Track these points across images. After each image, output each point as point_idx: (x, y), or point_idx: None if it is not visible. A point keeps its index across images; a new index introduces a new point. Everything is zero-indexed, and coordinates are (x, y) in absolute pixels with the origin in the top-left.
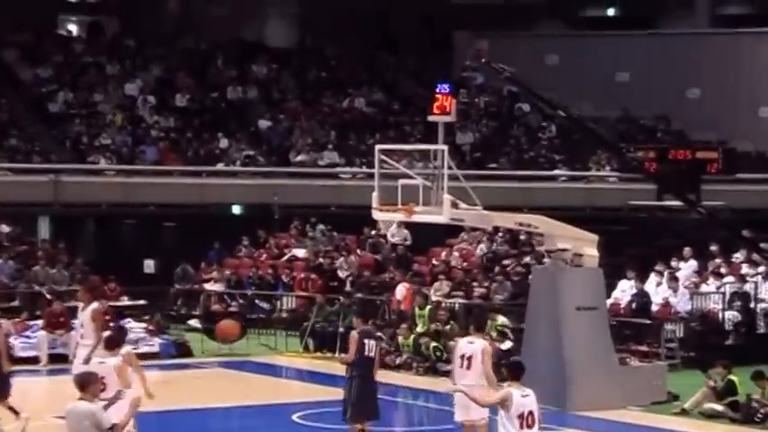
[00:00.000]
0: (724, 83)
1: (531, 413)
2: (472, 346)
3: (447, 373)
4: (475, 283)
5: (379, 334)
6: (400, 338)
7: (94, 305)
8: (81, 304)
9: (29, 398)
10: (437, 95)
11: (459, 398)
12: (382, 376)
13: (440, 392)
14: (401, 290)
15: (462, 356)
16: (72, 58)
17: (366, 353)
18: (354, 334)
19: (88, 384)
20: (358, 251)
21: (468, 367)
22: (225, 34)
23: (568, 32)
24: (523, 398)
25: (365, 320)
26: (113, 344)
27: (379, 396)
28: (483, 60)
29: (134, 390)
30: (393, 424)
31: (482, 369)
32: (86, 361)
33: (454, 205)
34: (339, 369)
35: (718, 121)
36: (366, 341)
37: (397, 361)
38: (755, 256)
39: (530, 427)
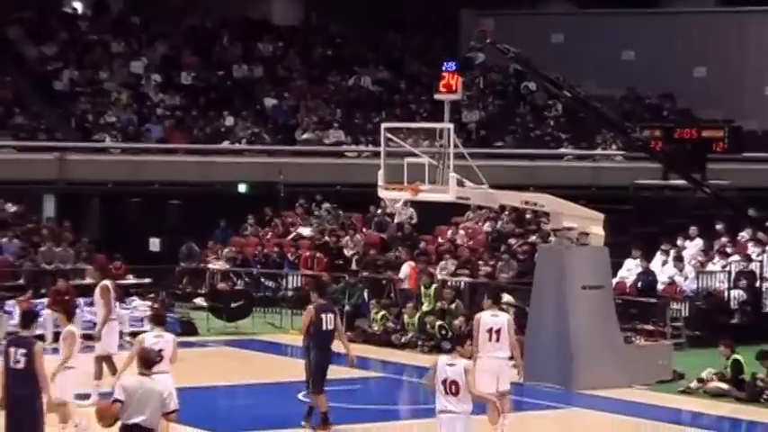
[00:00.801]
0: (730, 61)
1: (454, 382)
2: (498, 318)
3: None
4: (480, 262)
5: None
6: (406, 317)
7: (102, 283)
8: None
9: None
10: (443, 74)
11: (489, 369)
12: (389, 354)
13: None
14: (405, 268)
15: (490, 330)
16: (77, 35)
17: (324, 327)
18: (310, 308)
19: (154, 362)
20: (363, 230)
21: (498, 339)
22: (230, 12)
23: (574, 11)
24: (448, 366)
25: (321, 295)
26: (162, 320)
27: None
28: (488, 40)
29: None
30: (398, 402)
31: (510, 340)
32: (98, 336)
33: (460, 184)
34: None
35: (723, 99)
36: (324, 315)
37: (403, 339)
38: (761, 235)
39: (454, 394)
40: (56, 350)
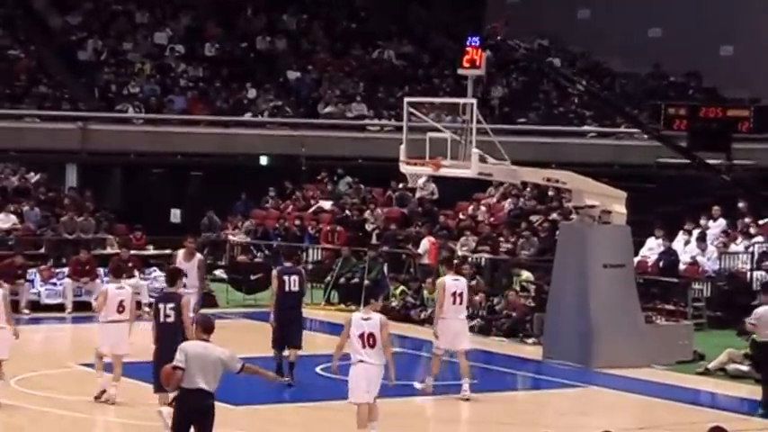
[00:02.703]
0: (757, 40)
1: (371, 334)
2: (459, 282)
3: (472, 329)
4: (501, 239)
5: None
6: (425, 293)
7: (200, 256)
8: (180, 252)
9: (54, 345)
10: (467, 49)
11: (452, 329)
12: (407, 330)
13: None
14: (425, 244)
15: (454, 294)
16: (102, 5)
17: (287, 288)
18: (274, 272)
19: (213, 328)
20: (384, 204)
21: (460, 302)
22: None
23: None
24: (363, 320)
25: (287, 259)
26: (120, 272)
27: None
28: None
29: None
30: (416, 378)
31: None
32: (196, 310)
33: (482, 159)
34: None
35: (750, 78)
36: (286, 277)
37: (422, 315)
38: None
39: (371, 346)
40: (75, 319)
